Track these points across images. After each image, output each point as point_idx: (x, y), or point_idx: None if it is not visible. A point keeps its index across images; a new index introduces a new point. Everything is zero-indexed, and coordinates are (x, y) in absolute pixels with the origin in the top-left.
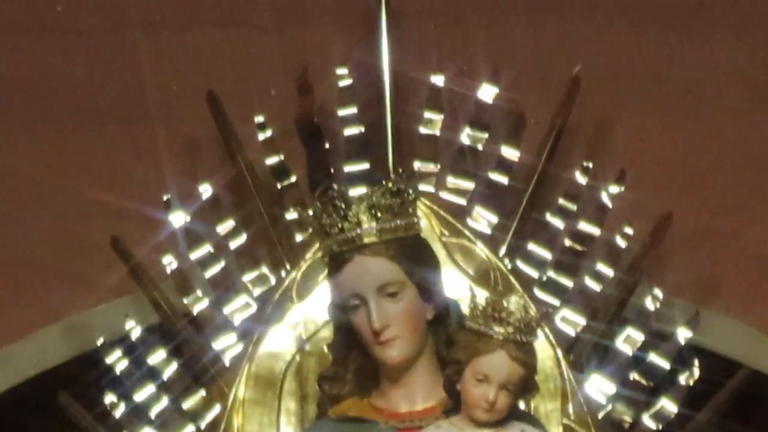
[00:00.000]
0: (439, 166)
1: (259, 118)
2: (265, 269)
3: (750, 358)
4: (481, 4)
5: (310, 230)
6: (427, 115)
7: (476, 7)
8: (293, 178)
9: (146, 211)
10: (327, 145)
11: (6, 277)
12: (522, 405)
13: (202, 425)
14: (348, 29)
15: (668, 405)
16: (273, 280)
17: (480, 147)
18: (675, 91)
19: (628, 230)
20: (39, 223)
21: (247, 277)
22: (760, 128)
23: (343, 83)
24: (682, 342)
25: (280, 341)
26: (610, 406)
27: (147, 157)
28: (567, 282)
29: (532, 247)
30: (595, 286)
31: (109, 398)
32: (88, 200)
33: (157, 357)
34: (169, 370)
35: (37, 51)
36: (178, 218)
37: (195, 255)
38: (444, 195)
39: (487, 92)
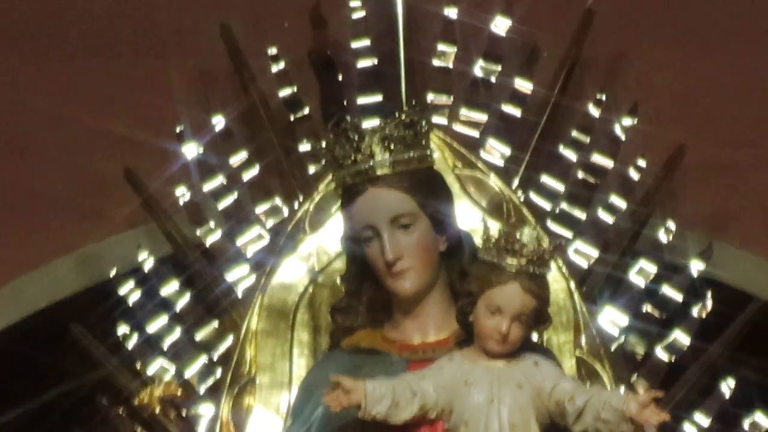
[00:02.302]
0: (452, 98)
1: (273, 50)
2: (278, 201)
3: (763, 290)
4: None
5: (323, 162)
6: (441, 47)
7: None
8: (306, 110)
9: (159, 143)
10: (340, 77)
11: (19, 209)
12: (535, 337)
13: (215, 356)
14: None
15: (681, 337)
16: (286, 212)
17: (493, 79)
18: (689, 24)
19: (641, 163)
20: (52, 155)
21: (260, 208)
22: None
23: (356, 15)
24: (695, 274)
25: (293, 273)
26: (622, 339)
27: (160, 89)
28: (580, 214)
29: (545, 179)
30: (607, 218)
31: (122, 329)
32: (101, 132)
33: (169, 288)
34: (182, 302)
35: None
36: (191, 150)
37: (208, 186)
38: (457, 127)
39: (501, 24)
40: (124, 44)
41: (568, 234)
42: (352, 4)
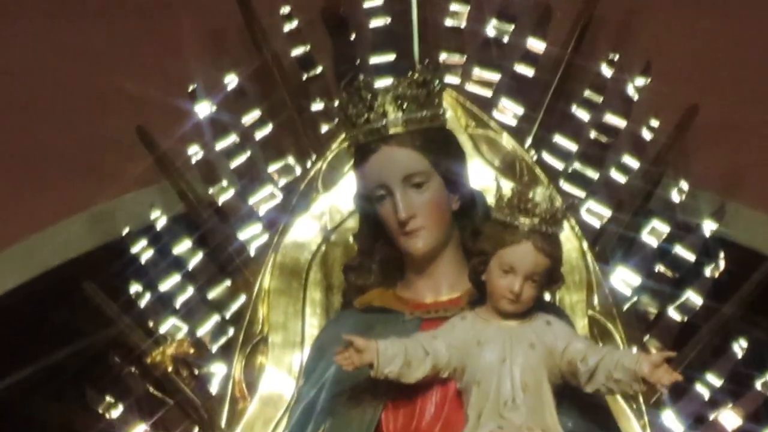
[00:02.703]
0: (464, 58)
1: (285, 9)
2: (290, 159)
3: None
4: None
5: (336, 121)
6: (453, 6)
7: None
8: (319, 69)
9: (172, 102)
10: (353, 36)
11: (31, 168)
12: (547, 296)
13: (227, 315)
14: None
15: (693, 297)
16: (298, 171)
17: (506, 39)
18: None
19: (654, 122)
20: (64, 114)
21: (273, 167)
22: None
23: None
24: (708, 234)
25: (306, 231)
26: (635, 298)
27: (172, 47)
28: (592, 174)
29: (557, 138)
30: (620, 177)
31: (134, 288)
32: (114, 91)
33: (182, 247)
34: (195, 260)
35: None
36: (204, 108)
37: (220, 145)
38: (469, 87)
39: None
40: (136, 3)
41: (580, 193)
42: None
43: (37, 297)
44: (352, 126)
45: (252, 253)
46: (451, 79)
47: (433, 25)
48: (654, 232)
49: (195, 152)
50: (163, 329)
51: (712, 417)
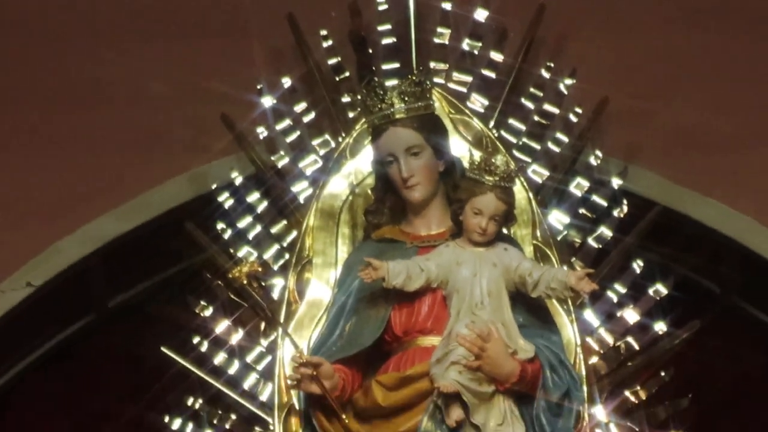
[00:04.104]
0: (447, 66)
1: (324, 32)
2: (327, 136)
3: (662, 199)
4: None
5: (358, 109)
6: (440, 30)
7: None
8: (347, 74)
9: (246, 96)
10: (370, 51)
11: (147, 143)
12: (504, 231)
13: (284, 244)
14: None
15: (605, 231)
16: (333, 144)
17: (476, 52)
18: (618, 12)
19: (578, 110)
20: (173, 105)
21: (315, 141)
22: (675, 40)
23: (381, 8)
24: (615, 187)
25: (338, 186)
26: (565, 232)
27: (246, 59)
28: (536, 145)
29: (512, 121)
30: (555, 148)
31: (220, 226)
32: (207, 90)
33: (253, 197)
34: (261, 206)
35: None
36: (268, 101)
37: (279, 126)
38: (451, 85)
39: (481, 14)
40: (217, 29)
41: (528, 159)
42: (378, 1)
43: (154, 232)
44: (370, 113)
45: (301, 201)
46: (438, 80)
47: (426, 43)
48: (578, 186)
49: (262, 131)
50: (240, 254)
51: (618, 314)
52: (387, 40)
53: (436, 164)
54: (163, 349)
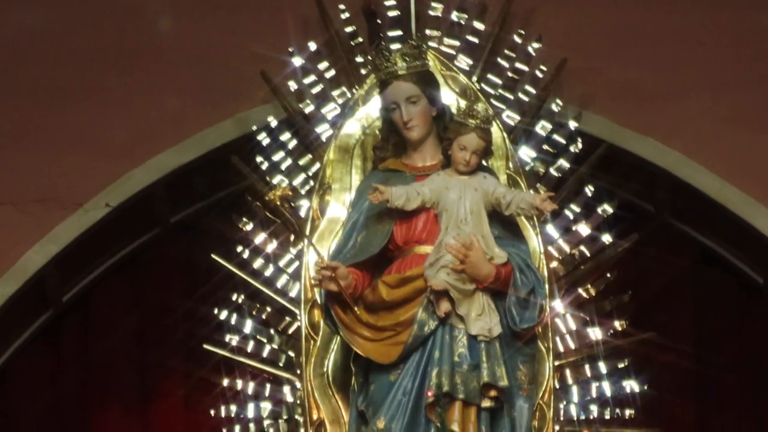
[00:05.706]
0: (439, 33)
1: (342, 6)
2: (344, 89)
3: (609, 136)
4: None
5: (369, 67)
6: (434, 4)
7: None
8: (360, 39)
9: (280, 57)
10: (379, 21)
11: (199, 90)
12: (484, 162)
13: (310, 173)
14: None
15: (564, 163)
16: (349, 95)
17: (462, 22)
18: None
19: (543, 68)
20: (223, 64)
21: (335, 92)
22: (621, 13)
23: None
24: (572, 128)
25: (353, 127)
26: (532, 164)
27: (280, 27)
28: (509, 96)
29: (490, 75)
30: (524, 97)
31: (259, 159)
32: (248, 53)
33: (285, 137)
34: (291, 144)
35: None
36: (297, 61)
37: (306, 80)
38: (442, 48)
39: None
40: (257, 4)
41: (502, 106)
42: None
43: (207, 164)
44: (378, 70)
45: (323, 140)
46: (432, 44)
47: (423, 15)
48: (543, 127)
49: (292, 84)
50: (274, 181)
51: (573, 228)
52: (392, 13)
53: (430, 110)
54: (213, 256)
